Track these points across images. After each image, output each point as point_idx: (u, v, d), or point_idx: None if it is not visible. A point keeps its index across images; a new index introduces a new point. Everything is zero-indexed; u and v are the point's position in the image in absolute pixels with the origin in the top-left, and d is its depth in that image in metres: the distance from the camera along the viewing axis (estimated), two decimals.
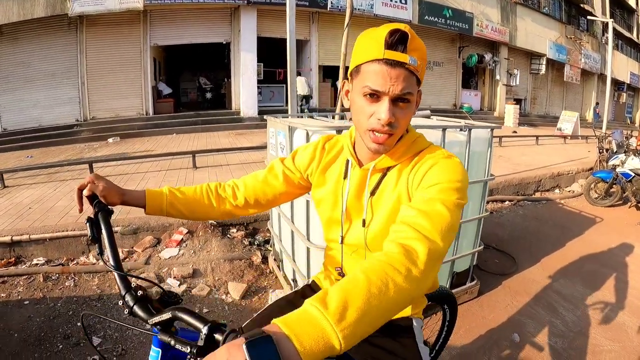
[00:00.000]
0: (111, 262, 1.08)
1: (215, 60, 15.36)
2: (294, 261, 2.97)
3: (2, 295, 3.45)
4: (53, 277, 3.71)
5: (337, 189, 1.24)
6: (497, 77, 18.30)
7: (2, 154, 9.17)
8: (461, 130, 2.80)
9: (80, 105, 11.59)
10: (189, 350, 0.85)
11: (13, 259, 3.99)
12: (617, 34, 22.24)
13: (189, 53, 14.42)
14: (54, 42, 11.04)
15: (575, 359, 2.79)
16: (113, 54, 11.72)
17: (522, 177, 7.14)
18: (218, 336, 0.80)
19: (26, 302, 3.38)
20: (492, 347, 2.88)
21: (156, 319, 0.94)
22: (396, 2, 14.40)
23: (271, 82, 14.37)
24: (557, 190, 7.62)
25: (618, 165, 6.18)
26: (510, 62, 18.48)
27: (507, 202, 6.46)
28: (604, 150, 7.62)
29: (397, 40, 0.96)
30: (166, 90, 13.74)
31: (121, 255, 4.04)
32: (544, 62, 19.68)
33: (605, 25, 21.63)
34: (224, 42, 12.98)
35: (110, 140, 10.49)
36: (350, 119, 3.08)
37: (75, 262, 4.05)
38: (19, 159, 8.30)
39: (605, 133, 8.61)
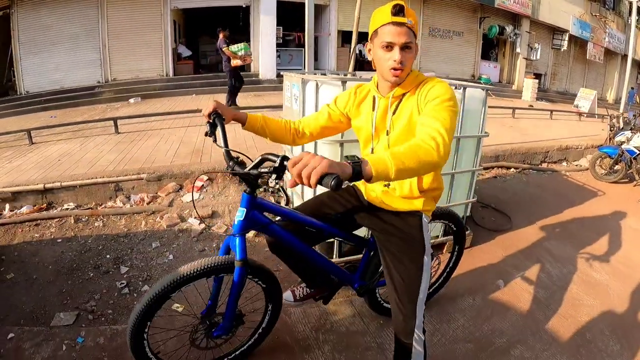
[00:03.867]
0: (221, 143, 1.72)
1: (234, 24, 15.33)
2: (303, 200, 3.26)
3: (36, 235, 3.81)
4: (83, 219, 4.06)
5: (369, 117, 1.75)
6: (518, 50, 17.95)
7: (26, 115, 9.44)
8: (456, 88, 3.02)
9: (102, 67, 11.80)
10: (268, 170, 1.50)
11: (45, 205, 4.35)
12: None
13: (208, 16, 14.40)
14: (74, 6, 11.15)
15: (555, 308, 2.98)
16: (133, 16, 11.85)
17: (530, 147, 7.27)
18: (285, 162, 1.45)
19: (59, 241, 3.74)
20: (477, 289, 3.14)
21: (250, 166, 1.62)
22: None
23: (290, 46, 14.41)
24: (564, 163, 7.71)
25: (624, 142, 6.23)
26: (532, 36, 18.09)
27: (512, 170, 6.61)
28: (616, 128, 7.63)
29: (398, 10, 1.48)
30: (186, 52, 13.83)
31: (146, 199, 4.40)
32: (567, 38, 19.13)
33: (631, 4, 20.92)
34: (244, 5, 13.00)
35: (131, 100, 10.73)
36: (361, 77, 3.44)
37: (103, 206, 4.40)
38: (42, 119, 8.59)
39: (622, 113, 8.53)
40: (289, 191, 3.52)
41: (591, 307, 3.03)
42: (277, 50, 13.37)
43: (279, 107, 4.47)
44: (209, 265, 1.71)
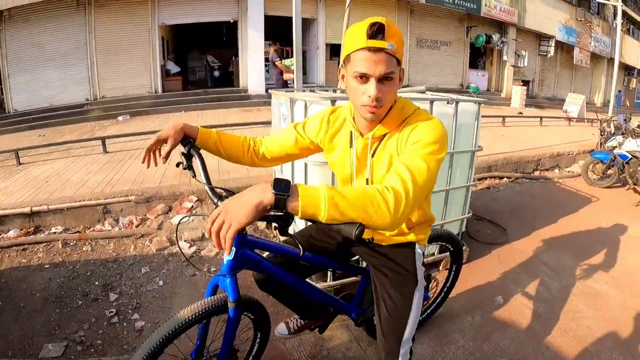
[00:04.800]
0: (203, 180, 1.53)
1: (223, 39, 15.40)
2: (294, 222, 3.18)
3: (24, 260, 3.69)
4: (71, 244, 3.95)
5: (346, 155, 1.54)
6: (505, 57, 18.09)
7: (14, 134, 9.29)
8: (448, 103, 2.99)
9: (90, 85, 11.67)
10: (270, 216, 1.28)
11: (32, 228, 4.23)
12: (629, 18, 21.83)
13: (197, 32, 14.42)
14: (63, 23, 11.07)
15: (555, 322, 2.91)
16: (122, 33, 11.78)
17: (522, 156, 7.23)
18: None
19: (46, 266, 3.63)
20: (476, 307, 3.06)
21: None
22: None
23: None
24: (556, 170, 7.68)
25: (616, 147, 6.21)
26: (519, 43, 18.27)
27: (504, 179, 6.57)
28: (607, 133, 7.64)
29: (376, 31, 1.20)
30: (174, 68, 13.81)
31: (135, 222, 4.31)
32: (553, 44, 19.34)
33: (616, 8, 21.23)
34: (232, 21, 12.99)
35: (120, 118, 10.63)
36: (343, 92, 3.33)
37: (91, 229, 4.30)
38: (30, 139, 8.47)
39: (611, 117, 8.57)
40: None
41: (592, 320, 2.96)
42: (265, 65, 13.24)
43: (268, 122, 4.41)
44: (204, 311, 1.58)
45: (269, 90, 3.66)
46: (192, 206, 4.41)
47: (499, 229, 4.50)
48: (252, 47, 12.88)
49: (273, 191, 1.00)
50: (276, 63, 8.57)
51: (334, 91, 3.88)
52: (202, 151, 1.64)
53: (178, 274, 3.55)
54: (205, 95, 12.74)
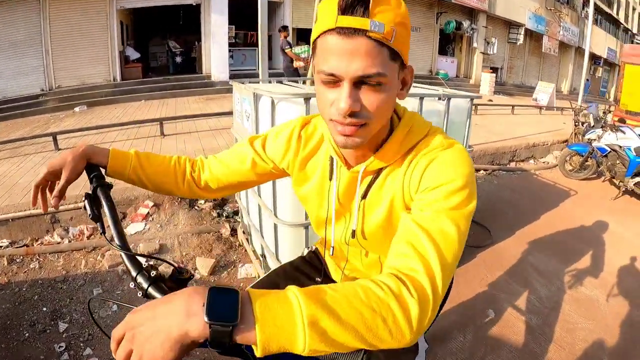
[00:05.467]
0: (117, 241, 0.93)
1: (186, 23, 14.72)
2: (262, 237, 2.79)
3: None
4: (17, 260, 3.49)
5: (323, 190, 1.07)
6: (475, 44, 18.13)
7: None
8: (440, 99, 2.63)
9: (45, 74, 10.89)
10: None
11: None
12: (597, 9, 22.28)
13: (158, 16, 13.72)
14: (15, 10, 10.21)
15: (550, 336, 2.77)
16: (78, 18, 11.00)
17: (498, 147, 7.09)
18: None
19: None
20: (467, 323, 2.82)
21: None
22: None
23: (243, 46, 13.96)
24: (531, 161, 7.61)
25: (594, 140, 6.14)
26: (489, 31, 18.30)
27: (481, 172, 6.42)
28: (580, 124, 7.60)
29: (352, 1, 0.72)
30: (134, 55, 13.10)
31: (86, 232, 3.84)
32: (522, 32, 19.56)
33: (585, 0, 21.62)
34: (194, 4, 12.37)
35: (77, 109, 9.96)
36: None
37: (39, 242, 3.81)
38: None
39: (581, 106, 8.59)
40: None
41: (587, 331, 2.83)
42: (229, 50, 12.89)
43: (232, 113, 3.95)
44: None
45: (230, 81, 3.15)
46: (148, 212, 3.94)
47: (483, 229, 4.26)
48: (216, 32, 12.37)
49: (206, 319, 0.55)
50: (286, 51, 8.21)
51: (304, 82, 3.46)
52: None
53: (134, 296, 3.10)
54: (166, 82, 12.15)
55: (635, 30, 29.92)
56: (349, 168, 0.97)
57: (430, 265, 0.70)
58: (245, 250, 3.53)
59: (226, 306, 0.56)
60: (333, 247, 1.15)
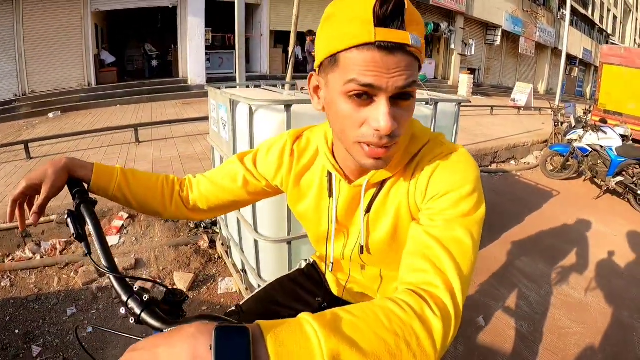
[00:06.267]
0: (104, 263, 0.86)
1: (163, 26, 14.46)
2: (242, 251, 2.65)
3: None
4: None
5: (321, 206, 1.01)
6: (452, 46, 18.33)
7: None
8: (427, 104, 2.53)
9: (19, 79, 10.50)
10: None
11: None
12: (573, 10, 22.80)
13: (134, 19, 13.44)
14: None
15: (542, 343, 2.73)
16: (52, 21, 10.65)
17: (480, 148, 7.08)
18: None
19: None
20: (458, 334, 2.69)
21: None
22: None
23: (221, 49, 13.78)
24: (512, 162, 7.64)
25: (575, 140, 6.19)
26: (466, 32, 18.51)
27: None
28: (560, 124, 7.65)
29: (391, 12, 0.65)
30: (109, 58, 12.79)
31: (59, 247, 3.63)
32: (500, 34, 19.89)
33: (561, 1, 22.05)
34: (170, 6, 12.13)
35: (50, 115, 9.64)
36: (302, 89, 2.67)
37: (10, 258, 3.58)
38: None
39: (559, 106, 8.68)
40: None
41: (578, 335, 2.81)
42: (206, 54, 12.70)
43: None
44: None
45: (205, 86, 2.97)
46: (123, 225, 3.75)
47: None
48: (192, 34, 12.17)
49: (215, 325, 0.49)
50: (313, 53, 8.06)
51: (283, 86, 3.31)
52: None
53: (110, 315, 2.92)
54: (141, 87, 11.86)
55: (610, 31, 30.77)
56: (350, 182, 0.91)
57: (449, 279, 0.67)
58: (225, 263, 3.38)
59: (236, 348, 0.48)
60: (332, 263, 1.08)
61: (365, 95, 0.69)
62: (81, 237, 0.90)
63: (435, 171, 0.80)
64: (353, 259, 1.04)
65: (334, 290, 1.24)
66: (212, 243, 3.63)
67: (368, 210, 0.92)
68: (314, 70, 0.81)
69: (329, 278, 1.25)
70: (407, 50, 0.67)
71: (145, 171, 1.10)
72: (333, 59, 0.71)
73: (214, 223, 3.86)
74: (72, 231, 0.91)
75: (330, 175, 0.96)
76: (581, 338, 2.77)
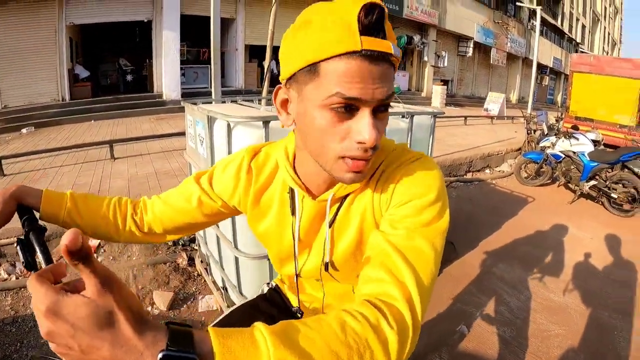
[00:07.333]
0: None
1: (138, 41, 14.33)
2: (223, 269, 2.62)
3: None
4: None
5: (283, 224, 0.96)
6: (425, 58, 18.66)
7: None
8: (403, 117, 2.55)
9: None
10: None
11: None
12: (542, 20, 23.52)
13: (109, 33, 13.30)
14: None
15: (525, 347, 2.75)
16: (26, 35, 10.44)
17: (455, 158, 7.17)
18: None
19: None
20: (441, 343, 2.74)
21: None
22: None
23: (195, 63, 13.73)
24: (487, 171, 7.76)
25: (548, 147, 6.33)
26: (439, 44, 18.87)
27: None
28: (532, 132, 7.82)
29: (375, 21, 0.64)
30: (84, 73, 12.58)
31: (24, 272, 3.51)
32: (472, 45, 20.37)
33: (531, 12, 22.70)
34: (145, 20, 12.04)
35: (24, 130, 9.41)
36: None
37: None
38: None
39: (531, 114, 8.88)
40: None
41: (560, 337, 2.86)
42: (181, 68, 12.63)
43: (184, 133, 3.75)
44: None
45: (182, 102, 2.93)
46: (100, 244, 3.67)
47: (447, 244, 4.20)
48: (167, 49, 12.09)
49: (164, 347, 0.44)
50: None
51: (259, 101, 3.30)
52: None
53: None
54: (116, 102, 11.70)
55: (579, 40, 31.82)
56: (314, 198, 0.88)
57: (409, 290, 0.64)
58: (205, 281, 3.33)
59: (182, 348, 0.45)
60: (297, 284, 1.05)
61: (347, 107, 0.67)
62: (30, 265, 0.87)
63: (400, 179, 0.79)
64: (318, 276, 1.00)
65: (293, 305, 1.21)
66: (191, 260, 3.57)
67: (331, 224, 0.89)
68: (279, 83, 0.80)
69: (293, 300, 1.20)
70: (389, 60, 0.67)
71: (98, 195, 1.06)
72: (312, 69, 0.67)
73: (192, 240, 3.80)
74: (22, 260, 0.88)
75: (292, 191, 0.92)
76: (563, 340, 2.82)
